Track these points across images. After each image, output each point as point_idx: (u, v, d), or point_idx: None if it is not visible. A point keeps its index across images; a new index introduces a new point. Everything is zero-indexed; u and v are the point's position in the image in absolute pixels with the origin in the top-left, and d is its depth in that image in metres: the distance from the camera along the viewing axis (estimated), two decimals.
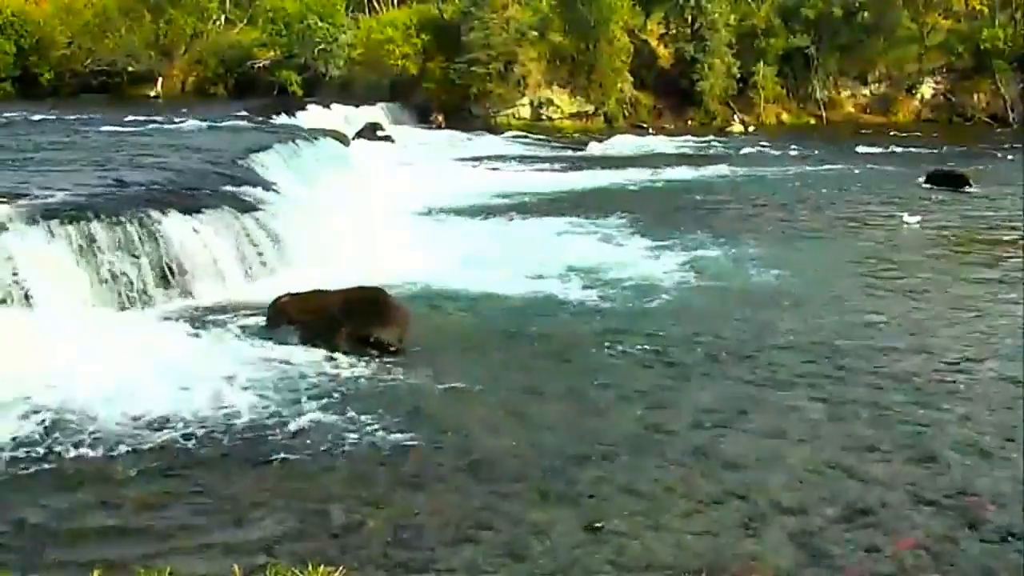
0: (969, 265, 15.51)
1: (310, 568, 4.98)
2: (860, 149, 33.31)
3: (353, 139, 30.41)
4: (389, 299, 10.90)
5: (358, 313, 10.45)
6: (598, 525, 6.69)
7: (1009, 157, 30.46)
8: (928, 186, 24.19)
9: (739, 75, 42.60)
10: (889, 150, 33.29)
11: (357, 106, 37.79)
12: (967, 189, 23.48)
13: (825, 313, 12.27)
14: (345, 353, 10.17)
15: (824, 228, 19.15)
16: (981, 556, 6.42)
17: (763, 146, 34.67)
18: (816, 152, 32.77)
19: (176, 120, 29.82)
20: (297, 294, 11.04)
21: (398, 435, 8.22)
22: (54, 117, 30.05)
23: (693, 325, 11.70)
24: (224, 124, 28.24)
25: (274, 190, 16.35)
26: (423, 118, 40.99)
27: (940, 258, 16.15)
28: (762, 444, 8.17)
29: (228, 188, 15.46)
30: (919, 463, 7.80)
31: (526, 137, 37.84)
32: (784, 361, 10.31)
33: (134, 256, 12.04)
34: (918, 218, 19.31)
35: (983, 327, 11.70)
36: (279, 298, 11.01)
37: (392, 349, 10.27)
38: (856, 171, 27.93)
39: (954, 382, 9.69)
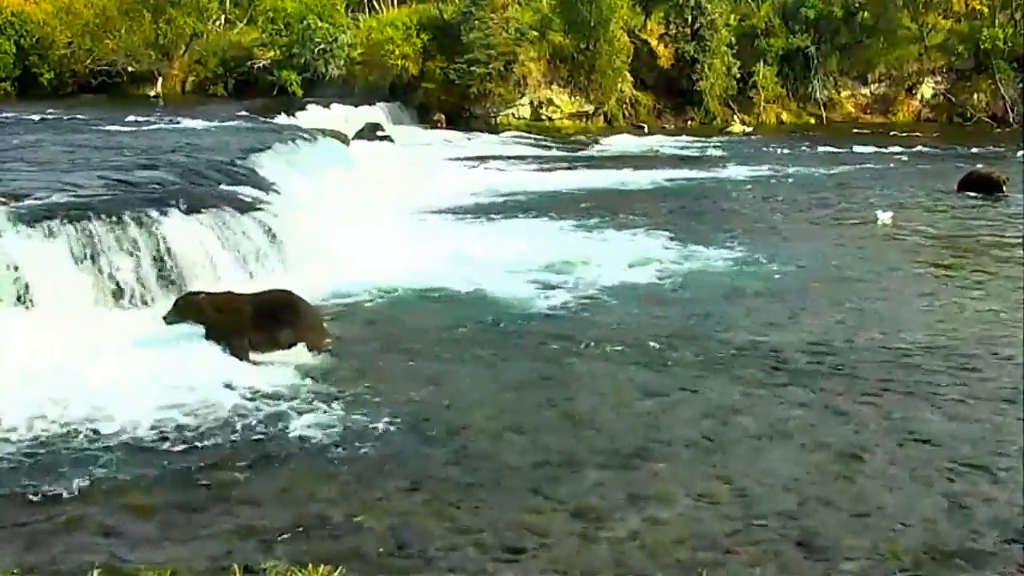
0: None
1: (310, 568, 4.98)
2: (859, 149, 33.30)
3: (353, 139, 30.38)
4: (301, 302, 10.67)
5: (268, 317, 10.24)
6: None
7: (1018, 155, 30.24)
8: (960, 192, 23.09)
9: (739, 75, 42.60)
10: (892, 149, 33.20)
11: (357, 106, 37.74)
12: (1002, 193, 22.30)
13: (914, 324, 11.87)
14: (253, 355, 9.97)
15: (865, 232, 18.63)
16: None
17: (764, 146, 34.61)
18: (820, 150, 32.76)
19: (176, 120, 29.78)
20: (209, 293, 10.77)
21: (387, 435, 8.25)
22: (54, 117, 30.00)
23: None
24: (224, 124, 28.21)
25: (274, 190, 16.33)
26: (423, 118, 40.97)
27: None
28: None
29: (228, 188, 15.46)
30: None
31: (526, 137, 37.84)
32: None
33: (134, 256, 12.03)
34: (890, 214, 19.38)
35: None
36: (191, 294, 10.71)
37: (309, 351, 10.06)
38: (855, 169, 27.92)
39: None
